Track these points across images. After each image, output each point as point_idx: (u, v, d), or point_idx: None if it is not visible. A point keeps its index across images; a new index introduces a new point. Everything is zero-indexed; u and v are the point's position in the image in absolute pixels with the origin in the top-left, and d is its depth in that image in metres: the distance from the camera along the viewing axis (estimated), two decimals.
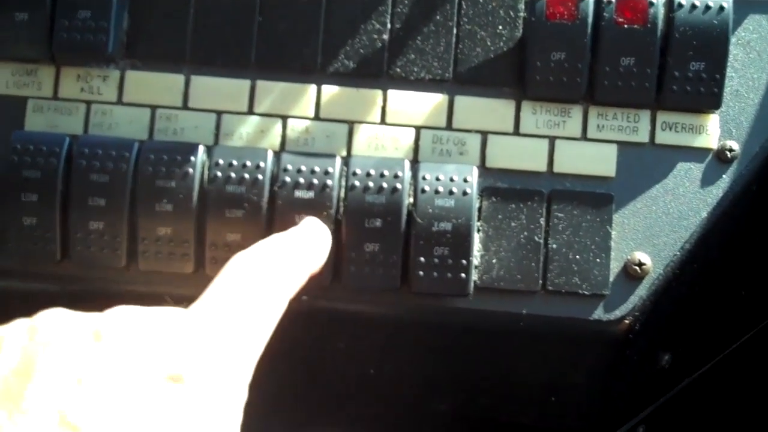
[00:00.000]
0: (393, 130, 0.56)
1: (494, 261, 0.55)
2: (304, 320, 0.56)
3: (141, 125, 0.56)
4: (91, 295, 0.56)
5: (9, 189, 0.53)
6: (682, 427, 0.67)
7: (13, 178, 0.53)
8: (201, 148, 0.53)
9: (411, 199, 0.53)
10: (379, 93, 0.56)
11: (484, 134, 0.56)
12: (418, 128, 0.56)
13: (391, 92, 0.56)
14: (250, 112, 0.56)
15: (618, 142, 0.56)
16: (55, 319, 0.39)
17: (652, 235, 0.55)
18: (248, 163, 0.53)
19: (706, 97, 0.55)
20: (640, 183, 0.56)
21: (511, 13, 0.56)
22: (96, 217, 0.53)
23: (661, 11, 0.54)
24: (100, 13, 0.55)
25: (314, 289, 0.54)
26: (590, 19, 0.54)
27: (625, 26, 0.54)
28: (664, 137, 0.56)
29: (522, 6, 0.56)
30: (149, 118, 0.56)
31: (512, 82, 0.56)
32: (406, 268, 0.53)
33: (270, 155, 0.53)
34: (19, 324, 0.39)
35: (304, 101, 0.56)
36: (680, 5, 0.54)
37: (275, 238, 0.49)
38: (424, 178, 0.53)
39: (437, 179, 0.53)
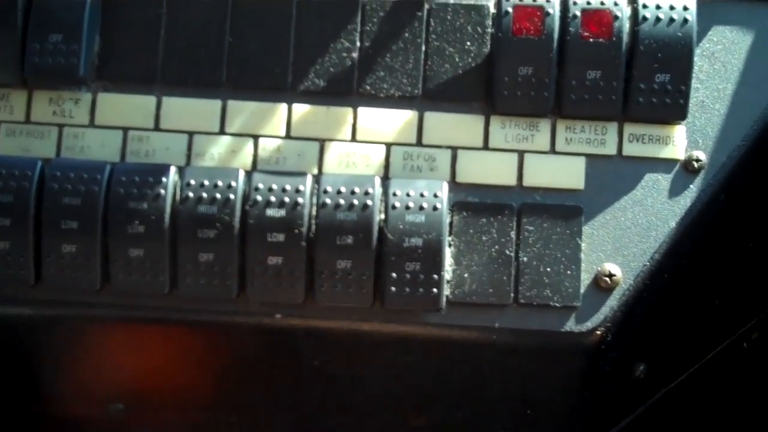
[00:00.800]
0: (364, 148, 0.56)
1: (466, 275, 0.55)
2: (277, 338, 0.56)
3: (113, 147, 0.56)
4: (65, 319, 0.56)
5: None
6: None
7: None
8: (173, 169, 0.54)
9: (382, 216, 0.53)
10: (349, 111, 0.57)
11: (454, 149, 0.56)
12: (388, 145, 0.56)
13: (361, 110, 0.57)
14: (222, 132, 0.56)
15: (586, 155, 0.56)
16: None
17: (621, 246, 0.56)
18: (220, 183, 0.53)
19: (672, 108, 0.56)
20: (608, 195, 0.56)
21: (479, 29, 0.57)
22: (69, 240, 0.53)
23: (626, 25, 0.55)
24: (71, 36, 0.55)
25: (287, 307, 0.54)
26: (556, 34, 0.55)
27: (591, 40, 0.55)
28: (631, 149, 0.56)
29: (489, 22, 0.57)
30: (121, 140, 0.56)
31: (481, 97, 0.57)
32: (379, 284, 0.53)
33: (241, 174, 0.54)
34: None
35: (275, 120, 0.57)
36: (645, 18, 0.55)
37: None
38: (394, 194, 0.53)
39: (407, 195, 0.53)
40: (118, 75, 0.57)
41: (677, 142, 0.57)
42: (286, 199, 0.53)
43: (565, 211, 0.56)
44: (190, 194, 0.53)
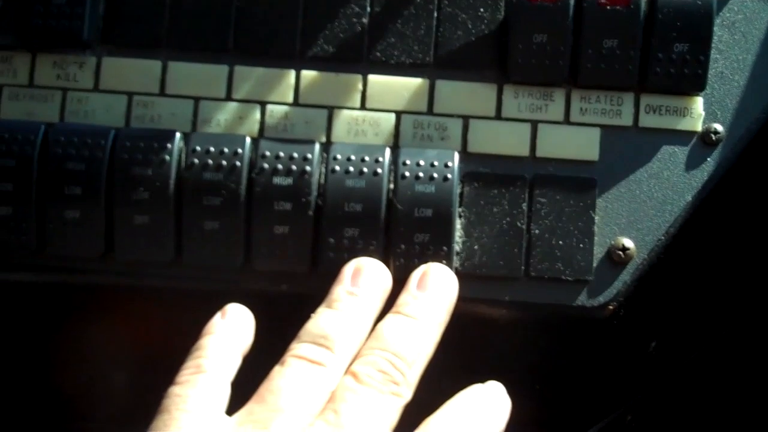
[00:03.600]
0: (373, 116, 0.55)
1: (476, 247, 0.54)
2: (283, 309, 0.56)
3: (117, 112, 0.55)
4: (69, 286, 0.56)
5: None
6: (671, 415, 0.66)
7: None
8: (178, 135, 0.53)
9: (391, 186, 0.52)
10: (359, 78, 0.56)
11: (466, 119, 0.55)
12: (398, 113, 0.55)
13: (371, 77, 0.55)
14: (228, 98, 0.55)
15: (601, 126, 0.55)
16: None
17: (636, 219, 0.55)
18: (226, 150, 0.52)
19: (690, 79, 0.54)
20: (623, 167, 0.55)
21: None
22: (72, 206, 0.52)
23: None
24: None
25: (293, 277, 0.53)
26: (572, 1, 0.53)
27: (608, 8, 0.53)
28: (647, 120, 0.55)
29: None
30: (126, 105, 0.55)
31: (494, 65, 0.55)
32: (387, 255, 0.52)
33: (248, 142, 0.53)
34: None
35: (283, 87, 0.55)
36: None
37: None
38: (404, 164, 0.52)
39: (418, 165, 0.52)
40: (124, 39, 0.56)
41: (695, 114, 0.55)
42: (294, 167, 0.52)
43: (578, 183, 0.54)
44: (196, 161, 0.52)
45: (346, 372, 0.47)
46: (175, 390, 0.47)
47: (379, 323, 0.50)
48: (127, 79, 0.55)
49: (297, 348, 0.48)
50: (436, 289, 0.51)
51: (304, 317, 0.56)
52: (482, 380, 0.60)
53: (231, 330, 0.50)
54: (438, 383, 0.60)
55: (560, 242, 0.54)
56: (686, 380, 0.66)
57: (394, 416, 0.47)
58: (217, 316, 0.51)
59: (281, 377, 0.47)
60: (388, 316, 0.50)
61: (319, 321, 0.49)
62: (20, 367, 0.62)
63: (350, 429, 0.45)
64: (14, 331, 0.60)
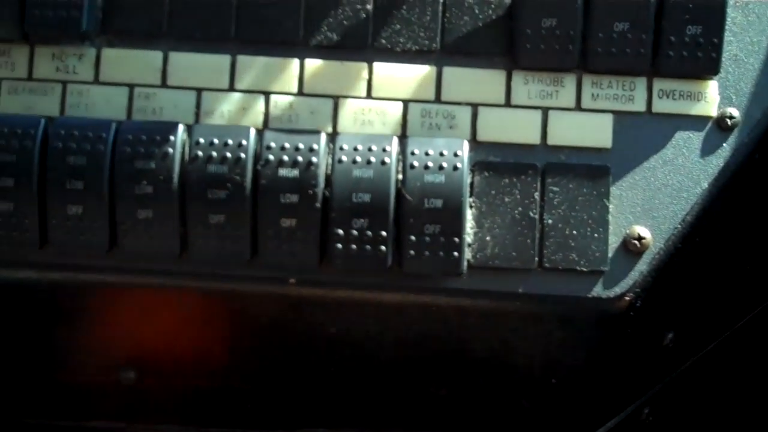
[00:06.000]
0: (380, 104, 0.54)
1: (488, 238, 0.53)
2: (291, 304, 0.55)
3: (119, 105, 0.54)
4: (72, 283, 0.55)
5: None
6: (688, 408, 0.65)
7: None
8: (181, 127, 0.52)
9: (400, 176, 0.51)
10: (364, 66, 0.54)
11: (475, 106, 0.54)
12: (405, 102, 0.54)
13: (377, 65, 0.54)
14: (231, 88, 0.54)
15: (614, 112, 0.54)
16: None
17: (651, 207, 0.54)
18: (230, 142, 0.51)
19: (704, 62, 0.53)
20: (637, 154, 0.54)
21: None
22: (75, 201, 0.51)
23: None
24: None
25: (301, 271, 0.52)
26: None
27: None
28: (661, 105, 0.54)
29: None
30: (127, 97, 0.54)
31: (502, 51, 0.54)
32: (397, 247, 0.51)
33: (252, 133, 0.51)
34: None
35: (287, 76, 0.54)
36: None
37: None
38: (413, 153, 0.51)
39: (426, 154, 0.51)
40: (123, 29, 0.55)
41: (709, 98, 0.54)
42: (300, 159, 0.51)
43: (591, 170, 0.53)
44: (200, 153, 0.51)
45: None
46: None
47: None
48: (127, 70, 0.54)
49: None
50: None
51: (313, 315, 0.56)
52: (496, 375, 0.59)
53: None
54: (455, 378, 0.59)
55: (574, 232, 0.53)
56: (703, 372, 0.64)
57: None
58: None
59: None
60: None
61: None
62: (24, 364, 0.61)
63: None
64: (18, 328, 0.59)
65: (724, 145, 0.54)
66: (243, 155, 0.51)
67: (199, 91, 0.54)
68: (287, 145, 0.51)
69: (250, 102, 0.54)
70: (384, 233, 0.51)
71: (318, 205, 0.51)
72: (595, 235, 0.53)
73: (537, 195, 0.53)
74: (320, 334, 0.57)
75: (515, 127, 0.54)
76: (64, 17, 0.53)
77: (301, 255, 0.51)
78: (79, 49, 0.55)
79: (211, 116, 0.54)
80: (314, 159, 0.51)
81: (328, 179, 0.51)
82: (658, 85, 0.54)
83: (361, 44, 0.54)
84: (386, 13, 0.54)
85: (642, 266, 0.53)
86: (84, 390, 0.63)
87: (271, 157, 0.51)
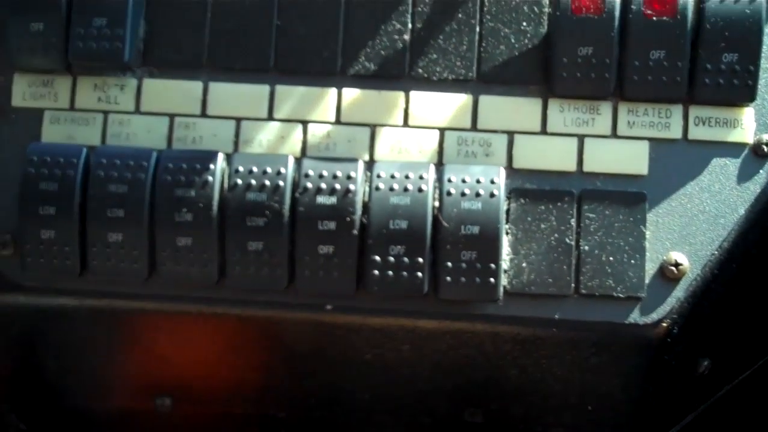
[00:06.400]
0: (416, 133, 0.55)
1: (524, 265, 0.53)
2: (328, 330, 0.55)
3: (159, 134, 0.55)
4: (112, 309, 0.55)
5: (26, 202, 0.52)
6: None
7: (30, 191, 0.52)
8: (220, 156, 0.52)
9: (437, 203, 0.51)
10: (401, 95, 0.55)
11: (511, 134, 0.54)
12: (442, 130, 0.55)
13: (413, 93, 0.55)
14: (270, 117, 0.55)
15: (650, 139, 0.54)
16: None
17: (688, 234, 0.53)
18: (269, 170, 0.52)
19: (740, 89, 0.53)
20: (673, 180, 0.54)
21: (536, 9, 0.55)
22: (115, 229, 0.52)
23: (690, 2, 0.53)
24: (115, 21, 0.54)
25: (338, 298, 0.52)
26: (617, 12, 0.53)
27: (654, 18, 0.52)
28: (697, 132, 0.54)
29: (546, 1, 0.55)
30: (167, 126, 0.55)
31: (538, 79, 0.55)
32: (433, 274, 0.51)
33: (291, 161, 0.52)
34: None
35: (325, 105, 0.55)
36: None
37: None
38: (449, 181, 0.51)
39: (463, 181, 0.51)
40: (164, 60, 0.55)
41: (746, 125, 0.54)
42: (337, 186, 0.51)
43: (628, 197, 0.53)
44: (239, 181, 0.51)
45: None
46: None
47: None
48: (168, 100, 0.55)
49: None
50: None
51: (349, 341, 0.56)
52: (531, 402, 0.59)
53: None
54: (491, 405, 0.59)
55: (611, 258, 0.53)
56: (739, 400, 0.64)
57: None
58: None
59: None
60: None
61: None
62: (62, 390, 0.62)
63: None
64: (56, 353, 0.59)
65: (761, 171, 0.54)
66: (281, 183, 0.51)
67: (238, 120, 0.55)
68: (325, 172, 0.52)
69: (289, 131, 0.55)
70: (420, 260, 0.51)
71: (355, 231, 0.51)
72: (632, 261, 0.53)
73: (573, 221, 0.53)
74: (356, 360, 0.57)
75: (551, 155, 0.54)
76: (106, 48, 0.54)
77: (338, 281, 0.52)
78: (120, 80, 0.55)
79: (250, 145, 0.55)
80: (351, 186, 0.51)
81: (366, 206, 0.51)
82: (694, 112, 0.54)
83: (398, 73, 0.55)
84: (423, 43, 0.55)
85: (679, 292, 0.53)
86: (120, 416, 0.63)
87: (309, 184, 0.51)
